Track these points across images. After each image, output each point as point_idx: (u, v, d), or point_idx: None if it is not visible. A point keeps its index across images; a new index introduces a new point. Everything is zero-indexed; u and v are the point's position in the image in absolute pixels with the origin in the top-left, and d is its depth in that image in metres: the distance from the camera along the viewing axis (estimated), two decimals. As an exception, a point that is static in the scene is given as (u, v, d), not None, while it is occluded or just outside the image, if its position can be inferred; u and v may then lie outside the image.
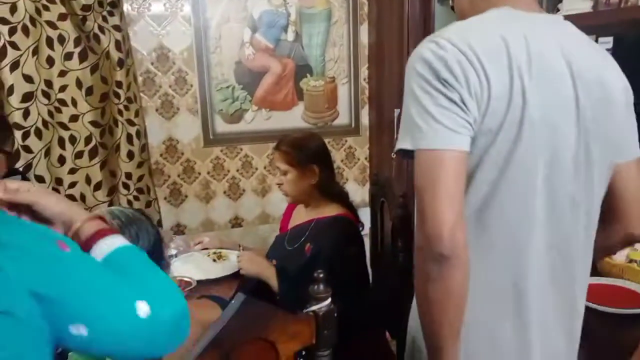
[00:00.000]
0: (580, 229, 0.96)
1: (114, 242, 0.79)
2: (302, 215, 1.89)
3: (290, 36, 2.82)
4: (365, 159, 3.04)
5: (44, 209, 0.81)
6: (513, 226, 0.90)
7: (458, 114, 0.83)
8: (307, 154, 1.77)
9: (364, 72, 2.95)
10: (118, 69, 2.34)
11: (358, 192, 2.89)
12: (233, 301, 1.08)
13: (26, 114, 2.15)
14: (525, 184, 0.88)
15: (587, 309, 1.15)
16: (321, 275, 1.19)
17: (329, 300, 1.19)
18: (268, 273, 1.70)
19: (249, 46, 2.76)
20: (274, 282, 1.69)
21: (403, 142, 0.88)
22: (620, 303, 1.61)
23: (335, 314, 1.20)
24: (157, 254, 1.10)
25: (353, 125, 3.01)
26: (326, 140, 1.93)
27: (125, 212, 1.09)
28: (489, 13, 0.92)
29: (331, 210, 1.81)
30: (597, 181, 0.95)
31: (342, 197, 1.87)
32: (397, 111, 2.68)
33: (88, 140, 2.32)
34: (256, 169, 2.86)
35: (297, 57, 2.85)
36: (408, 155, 0.87)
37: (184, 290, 1.53)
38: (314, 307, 1.18)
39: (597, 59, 0.95)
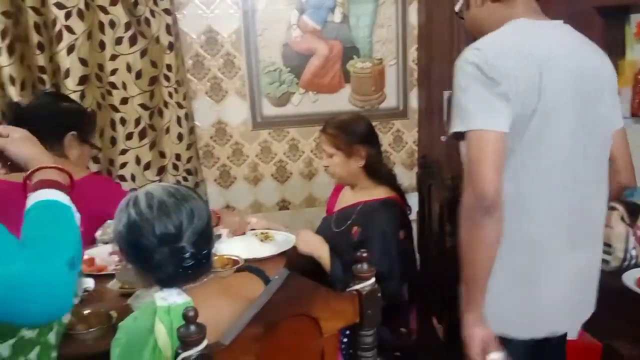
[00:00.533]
0: (595, 188, 1.28)
1: (41, 195, 0.86)
2: (349, 197, 1.87)
3: (337, 17, 2.78)
4: (414, 142, 2.97)
5: (15, 156, 0.91)
6: (543, 189, 1.18)
7: (500, 103, 1.12)
8: (353, 136, 1.75)
9: (412, 53, 2.88)
10: (168, 52, 2.39)
11: (406, 176, 2.83)
12: (277, 277, 1.08)
13: (82, 96, 2.22)
14: (551, 157, 1.17)
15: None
16: (365, 255, 1.17)
17: (373, 280, 1.18)
18: (321, 251, 1.71)
19: (296, 28, 2.74)
20: (326, 259, 1.69)
21: (457, 126, 1.15)
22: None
23: (379, 294, 1.18)
24: (208, 233, 1.10)
25: (401, 108, 2.94)
26: (373, 124, 1.90)
27: (181, 190, 1.10)
28: (511, 24, 1.21)
29: (379, 193, 1.79)
30: (603, 146, 1.28)
31: (389, 180, 1.84)
32: (446, 93, 2.60)
33: (137, 122, 2.38)
34: (303, 152, 2.85)
35: (344, 39, 2.81)
36: (460, 137, 1.16)
37: (232, 268, 1.54)
38: (358, 286, 1.17)
39: (594, 55, 1.26)
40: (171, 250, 1.03)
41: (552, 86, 1.14)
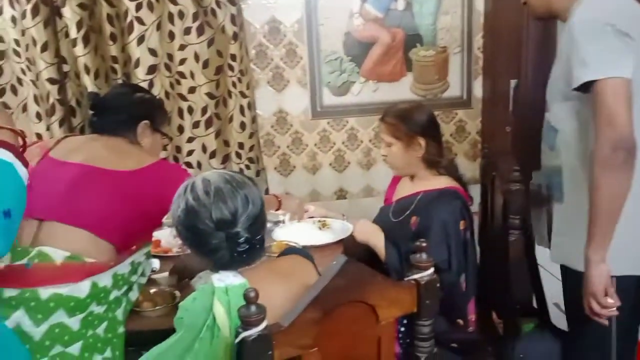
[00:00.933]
0: None
1: None
2: (407, 188, 1.84)
3: (400, 5, 2.75)
4: (477, 132, 2.89)
5: None
6: None
7: (629, 54, 1.25)
8: (412, 125, 1.72)
9: (478, 41, 2.79)
10: (232, 42, 2.43)
11: (469, 167, 2.76)
12: (335, 262, 1.09)
13: (151, 85, 2.31)
14: None
15: None
16: (424, 244, 1.16)
17: (432, 270, 1.16)
18: (377, 240, 1.70)
19: (358, 16, 2.73)
20: (381, 248, 1.68)
21: (587, 76, 1.25)
22: None
23: (438, 285, 1.17)
24: (263, 219, 1.13)
25: (464, 97, 2.87)
26: (435, 113, 1.86)
27: (236, 177, 1.13)
28: None
29: (439, 183, 1.75)
30: None
31: (450, 170, 1.80)
32: (513, 82, 2.51)
33: (204, 110, 2.45)
34: (361, 141, 2.84)
35: (407, 27, 2.76)
36: (584, 89, 1.26)
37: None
38: (416, 276, 1.16)
39: None
40: (227, 235, 1.06)
41: None
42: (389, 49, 2.77)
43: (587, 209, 1.28)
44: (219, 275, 1.10)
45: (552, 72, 1.48)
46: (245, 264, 1.12)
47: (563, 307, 1.54)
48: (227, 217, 1.06)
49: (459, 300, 1.65)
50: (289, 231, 1.85)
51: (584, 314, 1.31)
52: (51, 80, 2.23)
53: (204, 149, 2.48)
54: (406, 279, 1.17)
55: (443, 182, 1.75)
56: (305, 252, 1.29)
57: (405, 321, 1.52)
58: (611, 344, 1.37)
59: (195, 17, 2.34)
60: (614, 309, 1.26)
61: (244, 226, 1.07)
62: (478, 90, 2.85)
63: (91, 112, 1.49)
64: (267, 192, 2.59)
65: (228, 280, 1.08)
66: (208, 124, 2.46)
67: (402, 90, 2.79)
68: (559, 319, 1.69)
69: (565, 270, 1.44)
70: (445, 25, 2.77)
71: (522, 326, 1.67)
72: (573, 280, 1.36)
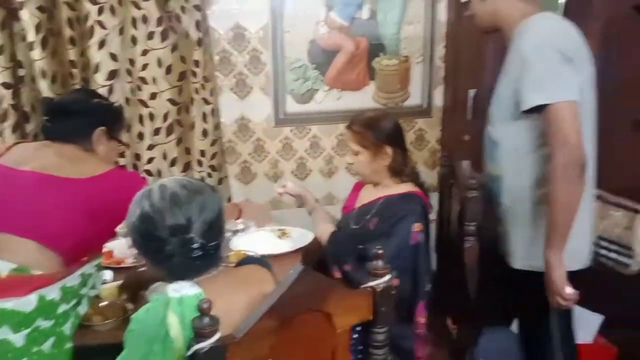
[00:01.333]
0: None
1: None
2: (370, 194, 1.86)
3: (365, 14, 2.78)
4: (436, 141, 2.95)
5: None
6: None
7: (576, 78, 1.40)
8: (380, 134, 1.73)
9: (440, 51, 2.85)
10: (197, 48, 2.42)
11: (427, 175, 2.80)
12: (292, 271, 1.10)
13: (110, 91, 2.28)
14: (586, 125, 1.45)
15: None
16: (380, 252, 1.18)
17: (388, 277, 1.18)
18: (321, 230, 1.74)
19: (324, 25, 2.75)
20: (324, 239, 1.73)
21: (539, 100, 1.38)
22: None
23: (393, 292, 1.19)
24: (219, 225, 1.12)
25: (425, 106, 2.92)
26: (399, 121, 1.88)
27: (193, 183, 1.12)
28: (544, 16, 1.49)
29: (401, 189, 1.78)
30: None
31: (413, 178, 1.83)
32: (472, 91, 2.57)
33: (165, 117, 2.42)
34: (324, 149, 2.86)
35: (371, 36, 2.80)
36: (536, 110, 1.40)
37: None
38: (373, 283, 1.17)
39: None
40: (181, 241, 1.05)
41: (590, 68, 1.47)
42: (352, 58, 2.80)
43: (527, 218, 1.50)
44: (174, 285, 1.09)
45: (499, 89, 1.58)
46: (201, 273, 1.11)
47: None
48: (181, 222, 1.05)
49: (400, 300, 1.64)
50: (247, 240, 1.84)
51: (544, 308, 1.49)
52: (5, 85, 2.17)
53: (165, 156, 2.45)
54: (362, 286, 1.19)
55: (405, 188, 1.78)
56: (263, 261, 1.29)
57: (358, 328, 1.54)
58: (571, 325, 1.61)
59: (159, 22, 2.32)
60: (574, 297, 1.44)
61: (199, 232, 1.06)
62: (438, 99, 2.90)
63: (45, 117, 1.45)
64: (229, 200, 2.58)
65: (183, 291, 1.07)
66: (169, 130, 2.44)
67: (365, 99, 2.82)
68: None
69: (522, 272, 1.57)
70: (409, 35, 2.82)
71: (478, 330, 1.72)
72: (532, 280, 1.51)
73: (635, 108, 1.99)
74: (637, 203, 1.77)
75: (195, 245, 1.06)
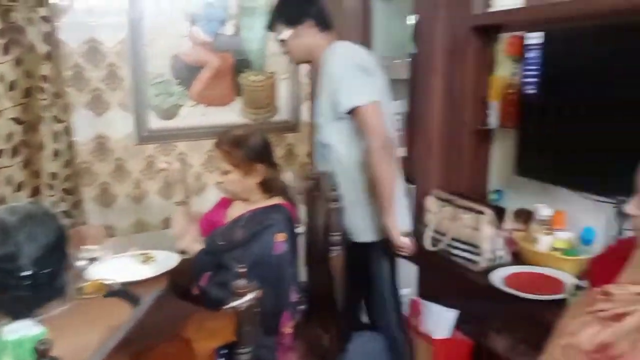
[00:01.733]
0: None
1: None
2: (239, 210, 1.84)
3: (229, 30, 2.77)
4: (306, 155, 3.01)
5: None
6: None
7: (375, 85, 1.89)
8: (249, 151, 1.72)
9: (304, 67, 2.93)
10: (45, 62, 2.23)
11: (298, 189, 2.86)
12: (146, 300, 1.04)
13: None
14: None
15: (514, 296, 1.65)
16: (242, 270, 1.16)
17: (251, 295, 1.17)
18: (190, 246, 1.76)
19: (187, 39, 2.69)
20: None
21: (357, 102, 1.82)
22: (544, 289, 1.67)
23: (258, 310, 1.18)
24: (58, 252, 1.04)
25: (292, 121, 2.98)
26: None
27: (26, 207, 1.04)
28: (342, 43, 1.94)
29: (270, 202, 1.78)
30: None
31: (283, 192, 1.84)
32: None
33: (9, 137, 2.19)
34: (192, 166, 2.78)
35: (236, 52, 2.80)
36: (351, 111, 1.84)
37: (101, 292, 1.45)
38: (235, 303, 1.15)
39: None
40: (9, 271, 0.97)
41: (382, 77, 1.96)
42: (218, 73, 2.77)
43: (361, 199, 1.90)
44: (13, 325, 0.98)
45: (318, 104, 2.01)
46: (41, 308, 1.02)
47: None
48: (9, 250, 0.97)
49: (263, 311, 1.63)
50: (105, 268, 1.71)
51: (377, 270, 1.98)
52: None
53: (9, 181, 2.20)
54: (224, 307, 1.16)
55: (274, 201, 1.78)
56: (129, 294, 1.20)
57: (223, 352, 1.50)
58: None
59: (0, 33, 2.10)
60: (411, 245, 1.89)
61: (30, 260, 0.98)
62: (305, 114, 2.97)
63: None
64: (83, 224, 2.39)
65: (22, 331, 0.97)
66: (14, 152, 2.21)
67: (232, 115, 2.81)
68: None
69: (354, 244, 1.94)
70: (274, 52, 2.86)
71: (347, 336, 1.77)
72: (360, 249, 1.94)
73: (475, 119, 2.20)
74: (481, 205, 1.96)
75: (24, 274, 0.98)
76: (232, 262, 1.60)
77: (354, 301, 2.11)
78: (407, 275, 2.21)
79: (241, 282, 1.16)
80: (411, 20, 2.17)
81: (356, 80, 1.82)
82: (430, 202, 2.17)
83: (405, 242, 1.86)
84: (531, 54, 1.92)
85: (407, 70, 2.31)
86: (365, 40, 2.49)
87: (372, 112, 1.80)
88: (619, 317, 1.04)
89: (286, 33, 1.95)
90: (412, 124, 2.26)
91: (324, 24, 1.97)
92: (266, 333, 1.63)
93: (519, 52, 2.01)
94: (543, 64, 1.88)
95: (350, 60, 1.85)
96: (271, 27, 2.03)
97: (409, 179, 2.25)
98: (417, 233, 2.20)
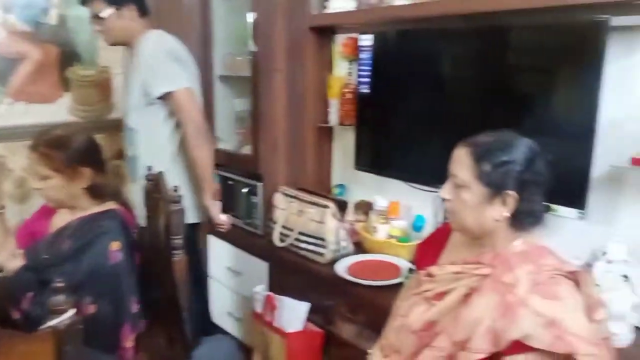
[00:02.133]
0: None
1: None
2: (65, 219, 1.66)
3: (52, 19, 2.50)
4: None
5: None
6: None
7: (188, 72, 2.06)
8: (72, 154, 1.55)
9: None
10: None
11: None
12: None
13: None
14: None
15: (356, 284, 1.74)
16: (60, 285, 1.04)
17: (72, 312, 1.05)
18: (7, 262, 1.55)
19: (1, 29, 2.37)
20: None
21: (169, 87, 1.96)
22: (383, 275, 1.77)
23: (81, 326, 1.07)
24: None
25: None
26: (100, 136, 1.73)
27: None
28: (156, 31, 2.04)
29: (101, 208, 1.63)
30: None
31: (115, 196, 1.70)
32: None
33: None
34: (12, 170, 2.46)
35: (62, 43, 2.54)
36: (165, 96, 1.99)
37: None
38: (54, 322, 1.03)
39: None
40: None
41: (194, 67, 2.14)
42: (41, 67, 2.49)
43: (175, 182, 1.77)
44: None
45: (128, 89, 2.07)
46: None
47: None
48: None
49: (101, 327, 1.51)
50: None
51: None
52: None
53: None
54: (42, 327, 1.03)
55: (106, 206, 1.64)
56: None
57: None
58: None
59: None
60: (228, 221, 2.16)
61: None
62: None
63: None
64: None
65: None
66: None
67: (60, 112, 2.55)
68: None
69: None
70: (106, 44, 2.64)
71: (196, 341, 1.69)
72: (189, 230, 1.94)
73: (316, 116, 2.26)
74: (325, 199, 2.02)
75: None
76: (60, 278, 1.42)
77: (202, 302, 2.07)
78: (259, 272, 2.20)
79: (59, 298, 1.04)
80: (250, 18, 2.15)
81: (169, 67, 1.93)
82: (278, 199, 2.18)
83: (223, 219, 2.10)
84: (364, 55, 2.02)
85: (249, 68, 2.30)
86: (205, 35, 2.42)
87: (187, 98, 1.93)
88: (441, 296, 1.13)
89: (107, 11, 1.98)
90: (257, 122, 2.24)
91: (144, 9, 2.06)
92: (105, 351, 1.50)
93: (354, 53, 2.11)
94: (373, 65, 1.99)
95: (164, 48, 1.94)
96: (86, 1, 2.01)
97: (256, 177, 2.25)
98: (266, 230, 2.20)
